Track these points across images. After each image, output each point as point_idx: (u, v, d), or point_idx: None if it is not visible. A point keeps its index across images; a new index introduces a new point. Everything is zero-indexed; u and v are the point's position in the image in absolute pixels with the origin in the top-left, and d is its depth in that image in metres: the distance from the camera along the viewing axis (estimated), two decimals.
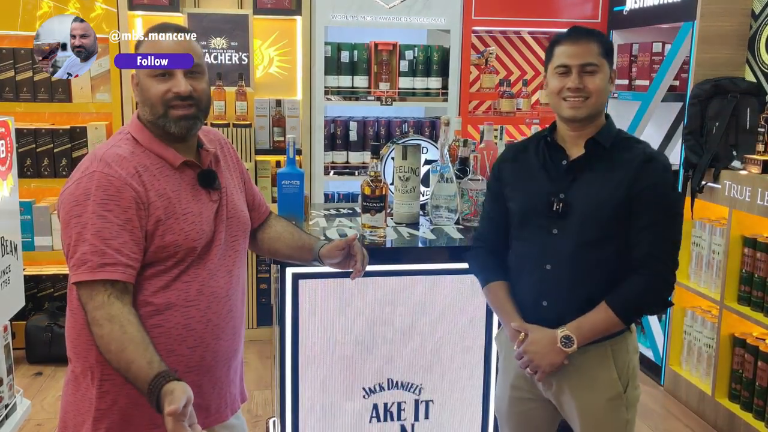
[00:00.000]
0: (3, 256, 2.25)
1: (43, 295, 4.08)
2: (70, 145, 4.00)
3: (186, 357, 1.63)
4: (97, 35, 3.88)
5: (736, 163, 3.30)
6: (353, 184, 4.33)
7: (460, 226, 2.44)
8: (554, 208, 1.88)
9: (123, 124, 3.93)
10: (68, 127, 4.01)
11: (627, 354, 1.92)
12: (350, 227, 2.40)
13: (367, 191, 2.21)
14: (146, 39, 1.65)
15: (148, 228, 1.56)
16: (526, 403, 2.03)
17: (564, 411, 1.98)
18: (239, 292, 1.75)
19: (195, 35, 1.69)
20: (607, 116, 1.95)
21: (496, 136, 2.74)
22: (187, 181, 1.66)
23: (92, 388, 1.61)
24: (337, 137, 4.31)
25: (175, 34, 1.64)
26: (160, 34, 1.64)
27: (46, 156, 3.97)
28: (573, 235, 1.87)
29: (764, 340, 3.13)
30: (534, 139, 2.02)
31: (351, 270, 1.89)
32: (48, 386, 3.72)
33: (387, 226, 2.33)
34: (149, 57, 1.60)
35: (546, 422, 2.06)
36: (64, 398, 1.68)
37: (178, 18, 4.12)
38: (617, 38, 4.30)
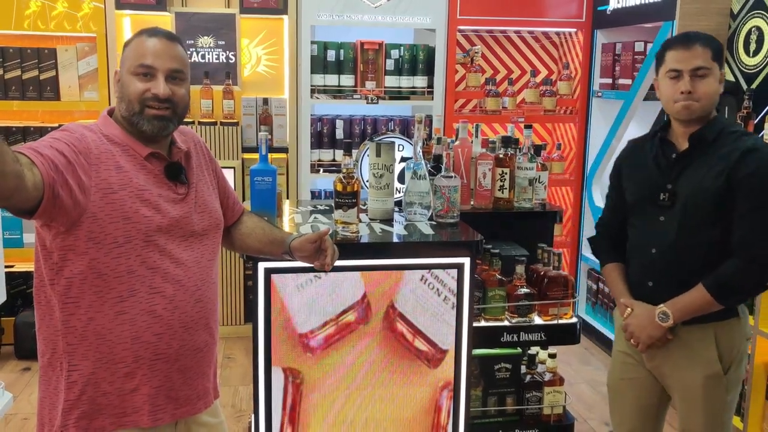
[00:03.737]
0: None
1: (32, 292, 4.12)
2: None
3: (153, 344, 1.65)
4: (85, 34, 3.97)
5: None
6: None
7: (433, 222, 2.47)
8: (662, 198, 2.07)
9: None
10: (57, 125, 4.05)
11: (732, 338, 2.06)
12: (325, 223, 2.44)
13: (339, 187, 2.24)
14: (136, 38, 1.68)
15: (97, 187, 1.57)
16: (634, 371, 2.20)
17: (666, 383, 2.15)
18: (209, 284, 1.77)
19: (183, 42, 1.73)
20: (718, 110, 2.09)
21: (472, 134, 2.77)
22: (153, 172, 1.69)
23: (61, 379, 1.64)
24: (324, 135, 4.35)
25: (164, 38, 1.67)
26: (150, 36, 1.67)
27: None
28: (676, 222, 2.05)
29: None
30: (650, 135, 2.20)
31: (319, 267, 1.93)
32: (35, 381, 3.75)
33: (360, 222, 2.36)
34: (135, 56, 1.65)
35: (653, 392, 2.19)
36: (38, 393, 1.71)
37: (166, 17, 4.16)
38: (601, 37, 4.34)
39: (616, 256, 2.27)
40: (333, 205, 2.31)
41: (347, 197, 2.25)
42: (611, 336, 4.20)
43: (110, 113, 1.73)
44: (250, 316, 4.34)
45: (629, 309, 2.15)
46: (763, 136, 3.04)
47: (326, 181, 4.48)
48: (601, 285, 4.37)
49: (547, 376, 2.64)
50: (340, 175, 2.27)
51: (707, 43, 2.02)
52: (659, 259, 2.10)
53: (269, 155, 4.32)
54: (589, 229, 4.51)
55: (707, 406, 2.07)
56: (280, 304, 2.19)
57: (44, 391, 1.69)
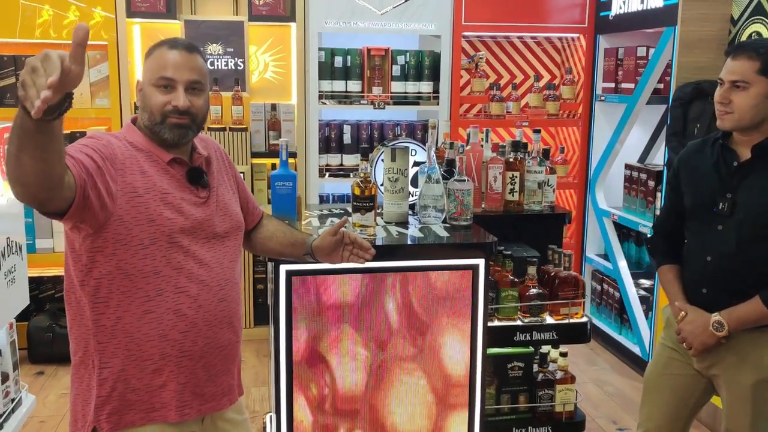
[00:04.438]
0: (9, 256, 2.35)
1: (45, 297, 4.17)
2: None
3: (179, 342, 1.71)
4: (97, 42, 4.03)
5: None
6: (348, 186, 4.42)
7: (447, 225, 2.54)
8: (720, 207, 2.07)
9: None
10: (68, 131, 4.11)
11: None
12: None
13: (357, 191, 2.31)
14: (156, 50, 1.74)
15: (123, 191, 1.64)
16: (680, 368, 2.23)
17: (716, 385, 2.18)
18: (232, 284, 1.83)
19: (203, 52, 1.79)
20: None
21: (482, 139, 2.84)
22: (176, 176, 1.75)
23: (93, 376, 1.70)
24: (331, 140, 4.41)
25: (184, 50, 1.73)
26: (171, 48, 1.73)
27: None
28: (734, 233, 2.05)
29: None
30: (711, 140, 2.20)
31: (343, 262, 1.99)
32: (49, 385, 3.82)
33: (377, 225, 2.43)
34: (155, 68, 1.71)
35: (692, 392, 2.23)
36: (71, 390, 1.78)
37: (176, 25, 4.22)
38: (604, 42, 4.41)
39: (672, 258, 2.28)
40: (350, 209, 2.38)
41: (365, 201, 2.32)
42: (616, 337, 4.27)
43: (134, 121, 1.81)
44: (260, 318, 4.42)
45: (683, 313, 2.17)
46: None
47: (334, 186, 4.54)
48: (605, 286, 4.44)
49: (559, 374, 2.71)
50: (357, 180, 2.33)
51: (758, 56, 1.98)
52: (715, 267, 2.11)
53: (277, 161, 4.41)
54: (592, 232, 4.58)
55: (755, 408, 2.09)
56: (298, 306, 2.25)
57: (77, 388, 1.75)
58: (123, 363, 1.69)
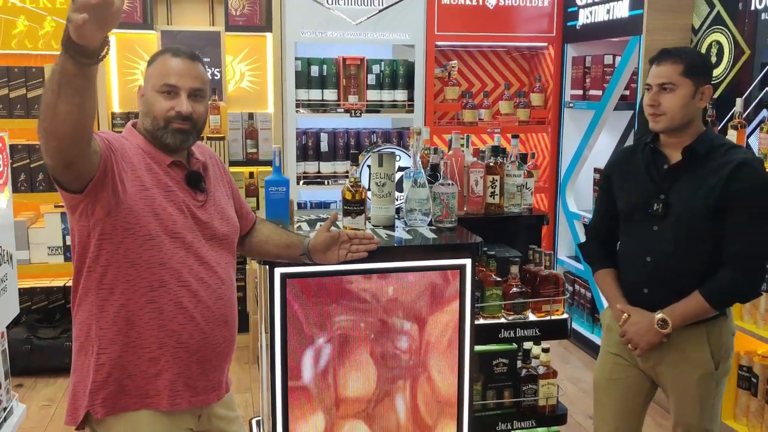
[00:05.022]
0: (0, 265, 2.36)
1: (22, 308, 4.13)
2: None
3: (177, 333, 1.78)
4: None
5: None
6: (325, 193, 4.50)
7: (433, 227, 2.62)
8: (655, 208, 2.14)
9: None
10: None
11: (721, 336, 2.17)
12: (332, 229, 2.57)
13: (348, 196, 2.38)
14: (160, 57, 1.80)
15: (132, 183, 1.70)
16: (626, 371, 2.30)
17: (660, 383, 2.26)
18: (228, 285, 1.90)
19: (203, 62, 1.86)
20: (706, 124, 2.19)
21: (462, 144, 2.94)
22: (176, 179, 1.82)
23: (91, 361, 1.76)
24: (308, 148, 4.48)
25: (187, 58, 1.80)
26: (174, 56, 1.79)
27: (22, 171, 4.04)
28: (670, 232, 2.12)
29: None
30: (641, 145, 2.27)
31: (340, 260, 2.09)
32: (29, 397, 3.79)
33: (366, 228, 2.50)
34: (159, 74, 1.77)
35: (640, 391, 2.30)
36: (71, 379, 1.83)
37: (152, 35, 4.25)
38: (571, 51, 4.58)
39: (608, 262, 2.34)
40: (339, 214, 2.44)
41: (355, 205, 2.39)
42: (589, 335, 4.41)
43: (134, 125, 1.87)
44: (240, 326, 4.42)
45: (626, 315, 2.23)
46: None
47: (311, 193, 4.60)
48: (577, 287, 4.58)
49: (542, 370, 2.81)
50: (348, 185, 2.41)
51: (682, 59, 2.09)
52: (654, 267, 2.17)
53: (256, 168, 4.46)
54: (563, 234, 4.72)
55: (701, 400, 2.19)
56: (293, 309, 2.31)
57: (77, 375, 1.80)
58: (121, 349, 1.75)
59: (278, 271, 2.28)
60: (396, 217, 2.71)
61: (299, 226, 2.67)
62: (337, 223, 2.66)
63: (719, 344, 2.18)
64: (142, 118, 1.83)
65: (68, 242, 4.14)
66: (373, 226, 2.63)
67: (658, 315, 2.14)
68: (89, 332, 1.76)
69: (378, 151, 2.69)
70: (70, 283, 4.28)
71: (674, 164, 2.16)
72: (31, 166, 4.07)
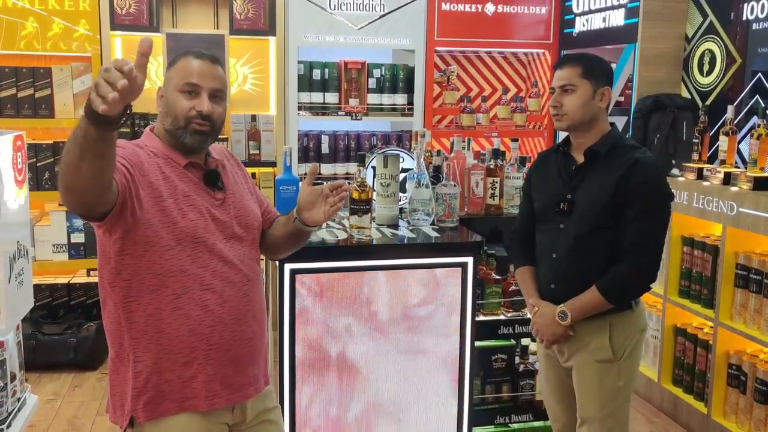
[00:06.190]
0: (18, 259, 2.43)
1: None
2: (52, 159, 4.16)
3: (206, 335, 1.81)
4: (80, 54, 4.11)
5: (675, 171, 3.67)
6: None
7: (436, 227, 2.72)
8: (561, 206, 2.24)
9: None
10: (51, 141, 4.17)
11: (625, 328, 2.22)
12: (336, 228, 2.66)
13: (355, 195, 2.47)
14: (182, 59, 1.85)
15: (148, 195, 1.74)
16: (555, 368, 2.36)
17: (573, 377, 2.28)
18: (254, 280, 1.94)
19: (224, 64, 1.90)
20: (612, 125, 2.28)
21: (464, 147, 3.04)
22: (193, 180, 1.86)
23: (129, 369, 1.81)
24: (309, 150, 4.57)
25: (208, 60, 1.84)
26: (196, 58, 1.84)
27: (29, 170, 4.10)
28: (572, 229, 2.21)
29: (702, 329, 3.49)
30: (555, 148, 2.37)
31: (327, 219, 1.96)
32: (34, 392, 3.79)
33: (372, 227, 2.59)
34: (182, 75, 1.82)
35: (569, 384, 2.32)
36: (109, 380, 1.89)
37: (158, 37, 4.33)
38: None
39: (527, 260, 2.41)
40: (340, 213, 2.53)
41: (362, 204, 2.48)
42: None
43: (151, 130, 1.91)
44: None
45: (536, 308, 2.31)
46: (718, 147, 3.39)
47: None
48: None
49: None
50: (355, 184, 2.50)
51: (580, 62, 2.21)
52: (559, 263, 2.26)
53: (258, 169, 4.55)
54: None
55: (601, 391, 2.21)
56: (302, 304, 2.40)
57: (114, 379, 1.86)
58: (156, 357, 1.79)
59: (288, 267, 2.37)
60: (399, 216, 2.80)
61: None
62: (343, 221, 2.76)
63: (623, 335, 2.22)
64: (161, 119, 1.86)
65: (73, 240, 4.22)
66: (377, 225, 2.72)
67: (560, 308, 2.22)
68: (122, 342, 1.81)
69: (383, 153, 2.78)
70: (74, 281, 4.41)
71: (579, 165, 2.25)
72: (38, 164, 4.14)
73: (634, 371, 2.27)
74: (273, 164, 4.50)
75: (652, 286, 2.24)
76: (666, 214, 2.22)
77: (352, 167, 4.54)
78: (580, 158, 2.26)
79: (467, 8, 4.59)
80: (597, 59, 2.25)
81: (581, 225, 2.19)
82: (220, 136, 4.29)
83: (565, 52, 2.30)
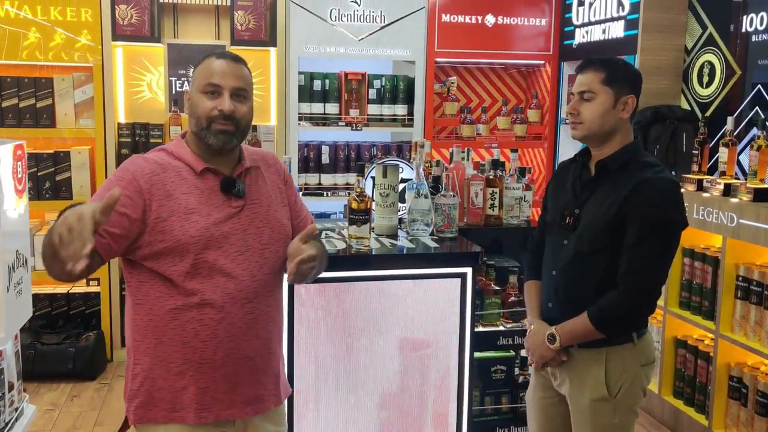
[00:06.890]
0: (17, 268, 2.43)
1: None
2: (53, 169, 4.17)
3: (199, 350, 1.79)
4: (82, 64, 4.13)
5: None
6: (325, 204, 4.59)
7: (435, 237, 2.72)
8: (567, 221, 2.08)
9: (105, 149, 4.18)
10: (52, 151, 4.18)
11: (623, 363, 2.04)
12: (336, 239, 2.66)
13: (354, 205, 2.47)
14: (205, 60, 1.83)
15: (149, 219, 1.75)
16: (545, 391, 2.21)
17: (568, 404, 2.14)
18: (265, 296, 1.84)
19: (247, 64, 1.87)
20: (636, 138, 2.11)
21: (463, 158, 3.05)
22: (207, 185, 1.82)
23: (129, 369, 1.85)
24: (310, 160, 4.57)
25: (230, 59, 1.82)
26: (218, 58, 1.81)
27: (29, 179, 4.11)
28: (573, 246, 2.05)
29: (703, 341, 3.48)
30: (574, 158, 2.21)
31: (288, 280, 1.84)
32: (32, 401, 3.80)
33: (371, 237, 2.59)
34: (203, 75, 1.80)
35: (557, 412, 2.19)
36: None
37: (159, 48, 4.35)
38: (568, 69, 4.70)
39: (536, 274, 2.25)
40: (340, 223, 2.53)
41: (361, 214, 2.48)
42: None
43: (183, 135, 1.89)
44: None
45: (531, 326, 2.17)
46: (718, 158, 3.39)
47: (312, 204, 4.66)
48: None
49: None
50: (353, 195, 2.50)
51: (603, 68, 2.02)
52: (557, 281, 2.11)
53: None
54: None
55: (594, 427, 2.06)
56: (301, 315, 2.39)
57: (126, 377, 1.89)
58: (152, 362, 1.80)
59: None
60: (398, 227, 2.80)
61: None
62: (342, 231, 2.75)
63: (620, 370, 2.04)
64: (189, 121, 1.84)
65: None
66: (376, 235, 2.72)
67: (550, 330, 2.07)
68: (129, 341, 1.85)
69: (382, 163, 2.78)
70: (73, 290, 4.40)
71: (590, 178, 2.10)
72: (38, 174, 4.15)
73: (634, 406, 2.09)
74: None
75: (649, 318, 2.09)
76: (669, 242, 2.01)
77: (352, 178, 4.55)
78: (593, 171, 2.10)
79: (467, 20, 4.61)
80: (623, 64, 2.08)
81: (581, 243, 2.03)
82: None
83: (587, 59, 2.13)
